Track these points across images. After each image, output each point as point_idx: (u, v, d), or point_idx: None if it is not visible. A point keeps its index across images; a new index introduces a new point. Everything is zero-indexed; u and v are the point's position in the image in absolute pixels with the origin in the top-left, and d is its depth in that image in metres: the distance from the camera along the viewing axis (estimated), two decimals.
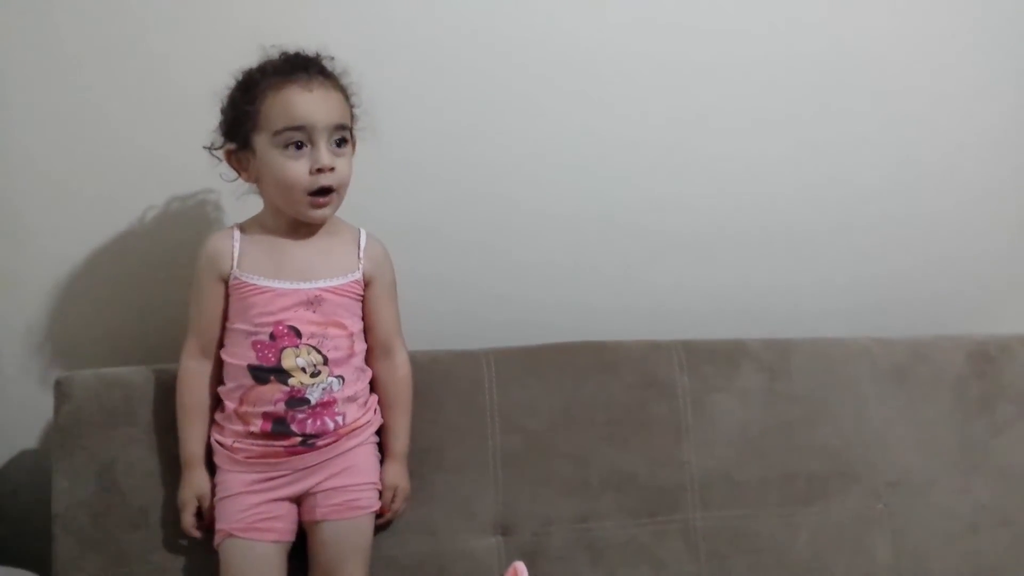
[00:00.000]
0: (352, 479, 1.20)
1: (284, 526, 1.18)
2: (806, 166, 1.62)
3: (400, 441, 1.25)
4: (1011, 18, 1.67)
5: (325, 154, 1.15)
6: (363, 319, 1.23)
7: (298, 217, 1.18)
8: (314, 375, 1.17)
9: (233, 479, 1.17)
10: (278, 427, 1.16)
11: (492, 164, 1.48)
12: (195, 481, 1.18)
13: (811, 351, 1.48)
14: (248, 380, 1.16)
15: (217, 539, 1.16)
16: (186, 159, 1.32)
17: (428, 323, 1.36)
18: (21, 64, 1.29)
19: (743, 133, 1.57)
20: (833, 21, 1.57)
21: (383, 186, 1.38)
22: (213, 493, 1.19)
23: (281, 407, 1.16)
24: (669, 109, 1.53)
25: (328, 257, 1.21)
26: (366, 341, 1.24)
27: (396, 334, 1.26)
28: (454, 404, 1.33)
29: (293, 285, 1.18)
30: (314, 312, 1.18)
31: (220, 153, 1.20)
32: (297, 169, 1.14)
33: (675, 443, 1.39)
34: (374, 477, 1.22)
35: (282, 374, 1.16)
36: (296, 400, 1.16)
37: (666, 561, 1.35)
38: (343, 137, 1.18)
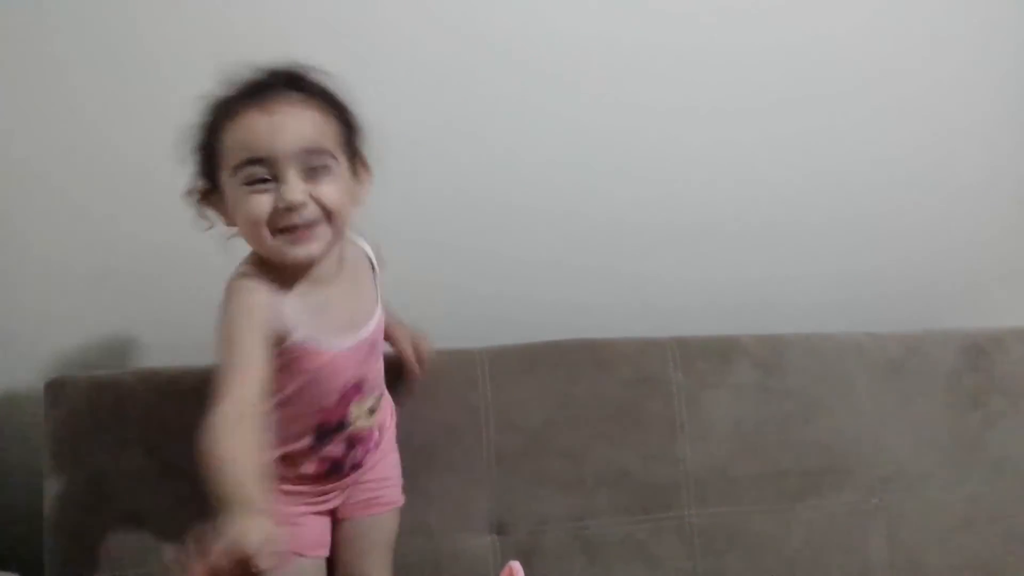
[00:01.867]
0: (381, 475, 1.19)
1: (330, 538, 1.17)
2: (797, 160, 1.62)
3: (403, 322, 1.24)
4: (1001, 9, 1.67)
5: (292, 188, 0.95)
6: None
7: (284, 261, 0.99)
8: (371, 411, 1.13)
9: (284, 498, 1.11)
10: (332, 470, 1.13)
11: (481, 162, 1.47)
12: (263, 524, 0.87)
13: (804, 346, 1.48)
14: (309, 440, 1.09)
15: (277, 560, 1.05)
16: (179, 162, 1.31)
17: (421, 322, 1.35)
18: (12, 66, 1.28)
19: (734, 127, 1.57)
20: (822, 12, 1.57)
21: (373, 186, 1.38)
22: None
23: (341, 448, 1.12)
24: (658, 103, 1.53)
25: (360, 288, 1.10)
26: None
27: None
28: (448, 403, 1.32)
29: (350, 340, 1.05)
30: (374, 358, 1.11)
31: (195, 196, 1.04)
32: (259, 204, 0.95)
33: (669, 440, 1.39)
34: (396, 472, 1.22)
35: (345, 426, 1.10)
36: (355, 439, 1.13)
37: (661, 558, 1.35)
38: (322, 163, 0.98)
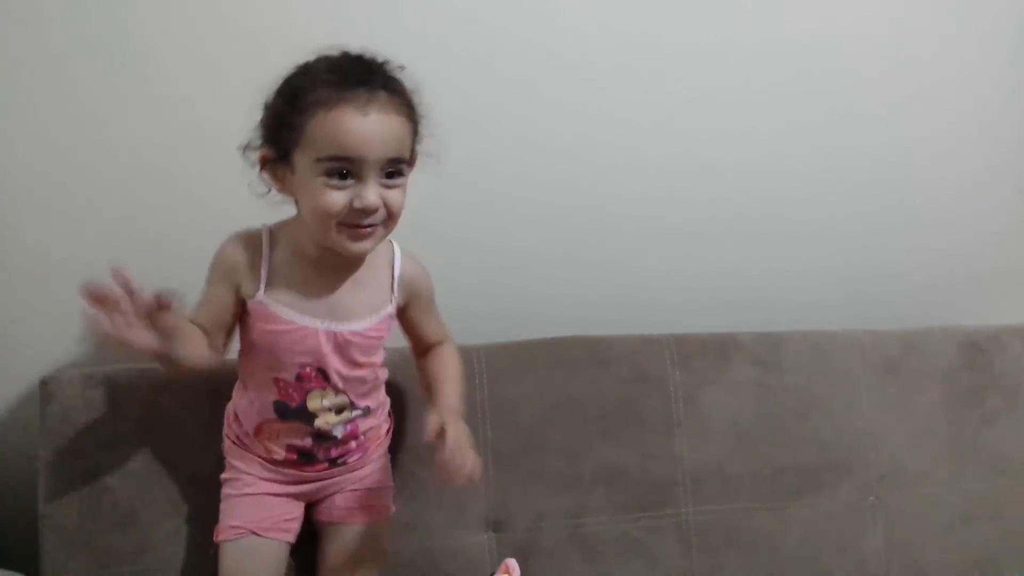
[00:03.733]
0: (371, 484, 1.19)
1: (299, 526, 1.17)
2: (796, 157, 1.61)
3: (451, 397, 1.13)
4: (1004, 5, 1.67)
5: (371, 193, 0.99)
6: (404, 332, 1.19)
7: (334, 248, 1.04)
8: (339, 412, 1.13)
9: (253, 478, 1.14)
10: (304, 457, 1.14)
11: (479, 157, 1.46)
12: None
13: (802, 344, 1.48)
14: (270, 414, 1.12)
15: (230, 535, 1.12)
16: (176, 159, 1.30)
17: None
18: (11, 62, 1.27)
19: (733, 123, 1.56)
20: (823, 7, 1.56)
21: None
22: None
23: (308, 442, 1.13)
24: (659, 100, 1.52)
25: (361, 291, 1.11)
26: (412, 344, 1.21)
27: (443, 335, 1.22)
28: None
29: (323, 325, 1.08)
30: (342, 355, 1.10)
31: (254, 156, 1.05)
32: (336, 200, 0.99)
33: (667, 437, 1.38)
34: (391, 482, 1.22)
35: (307, 415, 1.11)
36: (322, 436, 1.13)
37: (658, 556, 1.35)
38: (398, 170, 1.02)
